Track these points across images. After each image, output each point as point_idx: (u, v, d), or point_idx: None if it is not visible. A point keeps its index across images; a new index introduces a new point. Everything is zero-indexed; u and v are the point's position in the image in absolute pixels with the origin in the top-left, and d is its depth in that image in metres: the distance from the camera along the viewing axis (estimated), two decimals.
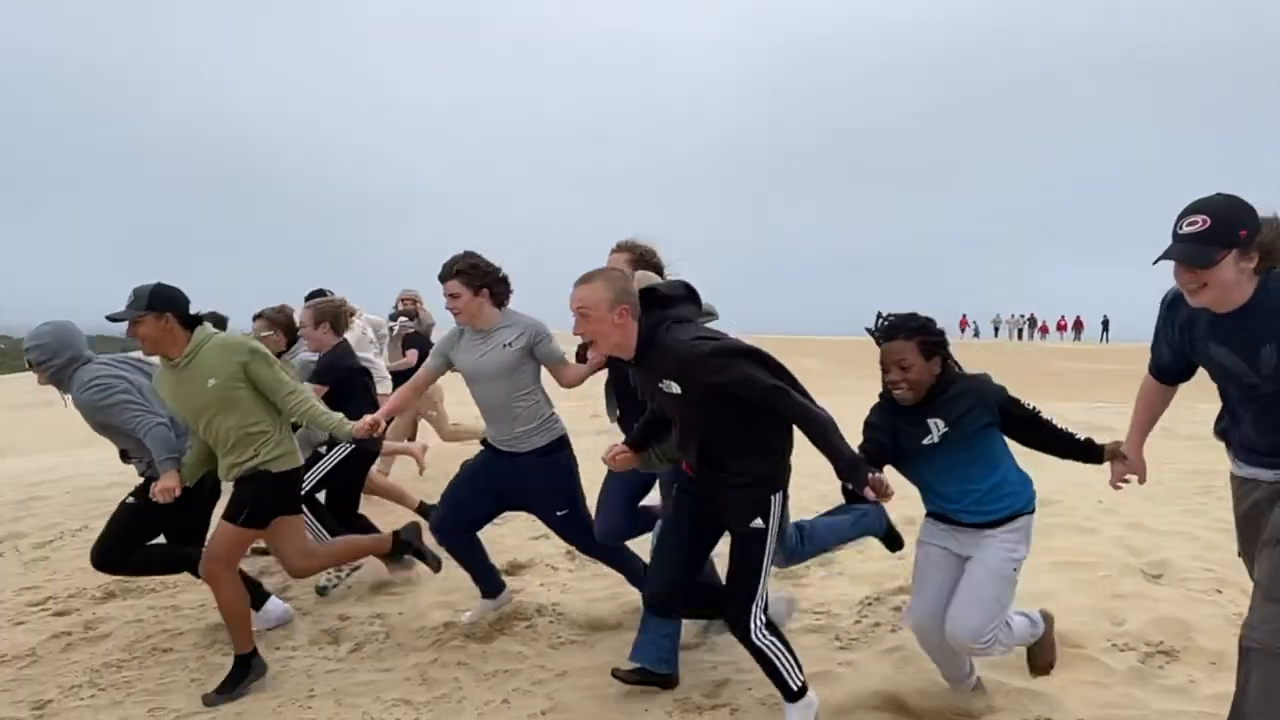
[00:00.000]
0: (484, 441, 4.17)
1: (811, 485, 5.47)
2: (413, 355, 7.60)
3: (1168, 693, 3.33)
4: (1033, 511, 3.10)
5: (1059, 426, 3.09)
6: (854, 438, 2.98)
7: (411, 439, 7.86)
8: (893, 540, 3.87)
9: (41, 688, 4.07)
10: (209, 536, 4.07)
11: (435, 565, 4.63)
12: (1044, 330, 53.50)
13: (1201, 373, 2.81)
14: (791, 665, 3.11)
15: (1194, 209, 2.47)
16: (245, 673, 3.91)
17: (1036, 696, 3.30)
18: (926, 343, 2.95)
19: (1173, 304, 2.73)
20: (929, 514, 3.19)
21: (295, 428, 5.77)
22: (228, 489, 4.03)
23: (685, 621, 3.72)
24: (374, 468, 5.43)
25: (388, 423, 4.19)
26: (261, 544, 4.76)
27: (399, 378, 7.07)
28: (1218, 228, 2.44)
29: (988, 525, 3.02)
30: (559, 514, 4.07)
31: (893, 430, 3.05)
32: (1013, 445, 3.12)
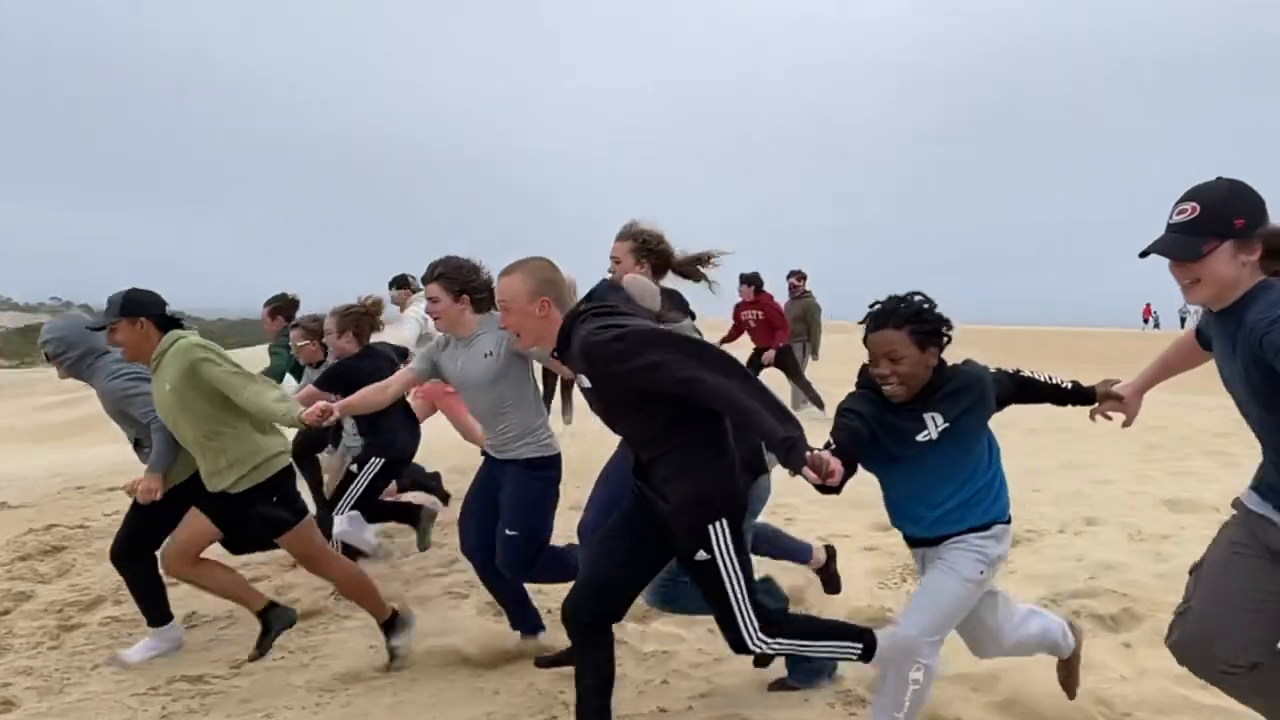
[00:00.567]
0: (484, 452, 4.02)
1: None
2: None
3: None
4: (1009, 521, 2.79)
5: (1044, 380, 2.92)
6: None
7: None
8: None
9: (236, 649, 4.37)
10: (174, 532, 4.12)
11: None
12: None
13: None
14: (828, 643, 2.84)
15: (1187, 195, 2.26)
16: (269, 630, 4.17)
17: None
18: (920, 332, 2.61)
19: None
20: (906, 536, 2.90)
21: (337, 440, 5.86)
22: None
23: (856, 617, 3.62)
24: None
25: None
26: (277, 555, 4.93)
27: None
28: (1208, 216, 2.22)
29: (959, 534, 2.72)
30: (508, 533, 3.78)
31: (879, 424, 2.69)
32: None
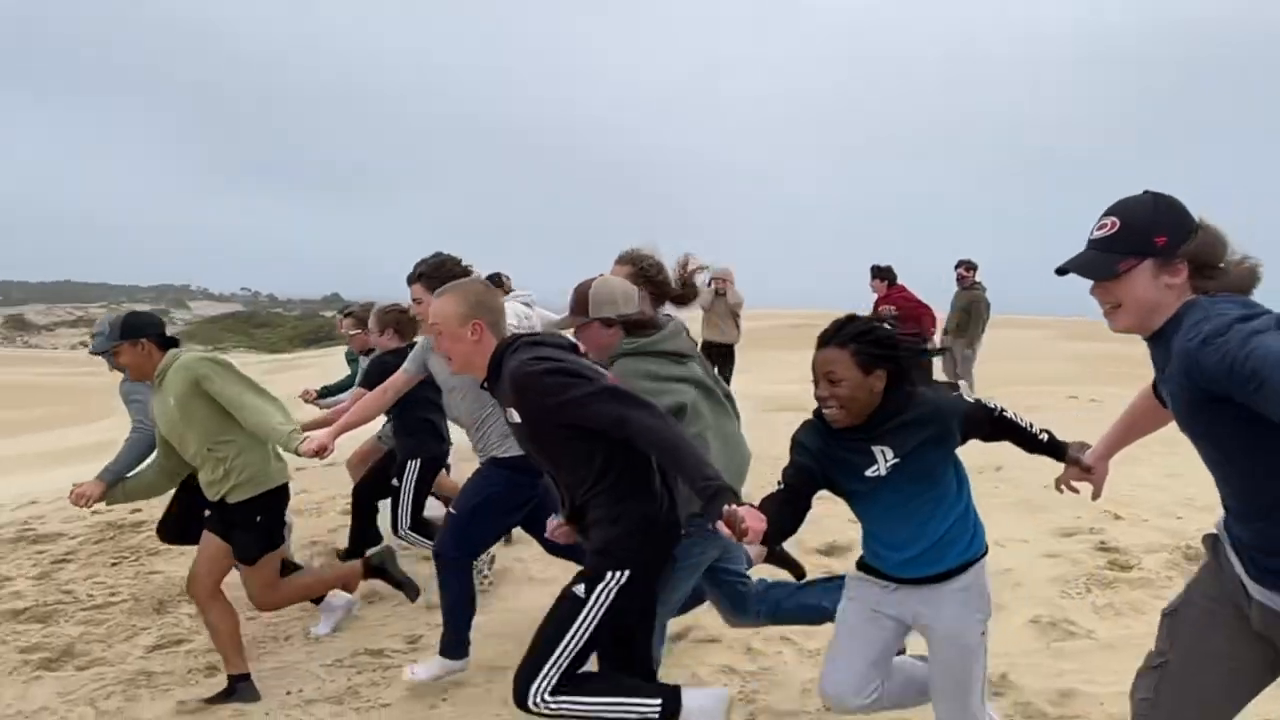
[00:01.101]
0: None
1: None
2: None
3: None
4: (984, 556, 2.55)
5: (1022, 425, 2.63)
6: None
7: None
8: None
9: (413, 624, 4.59)
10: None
11: (413, 593, 4.41)
12: None
13: None
14: (615, 703, 2.63)
15: (1109, 209, 2.05)
16: (230, 694, 3.93)
17: None
18: (864, 353, 2.37)
19: None
20: (859, 564, 2.65)
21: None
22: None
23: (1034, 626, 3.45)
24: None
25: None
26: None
27: None
28: (1127, 233, 1.99)
29: (935, 579, 2.47)
30: (450, 510, 3.88)
31: (825, 458, 2.48)
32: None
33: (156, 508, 7.10)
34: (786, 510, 2.43)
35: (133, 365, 3.94)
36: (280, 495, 4.01)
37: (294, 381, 8.37)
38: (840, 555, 5.07)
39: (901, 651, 2.77)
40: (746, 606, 3.27)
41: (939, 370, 10.31)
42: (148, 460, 4.20)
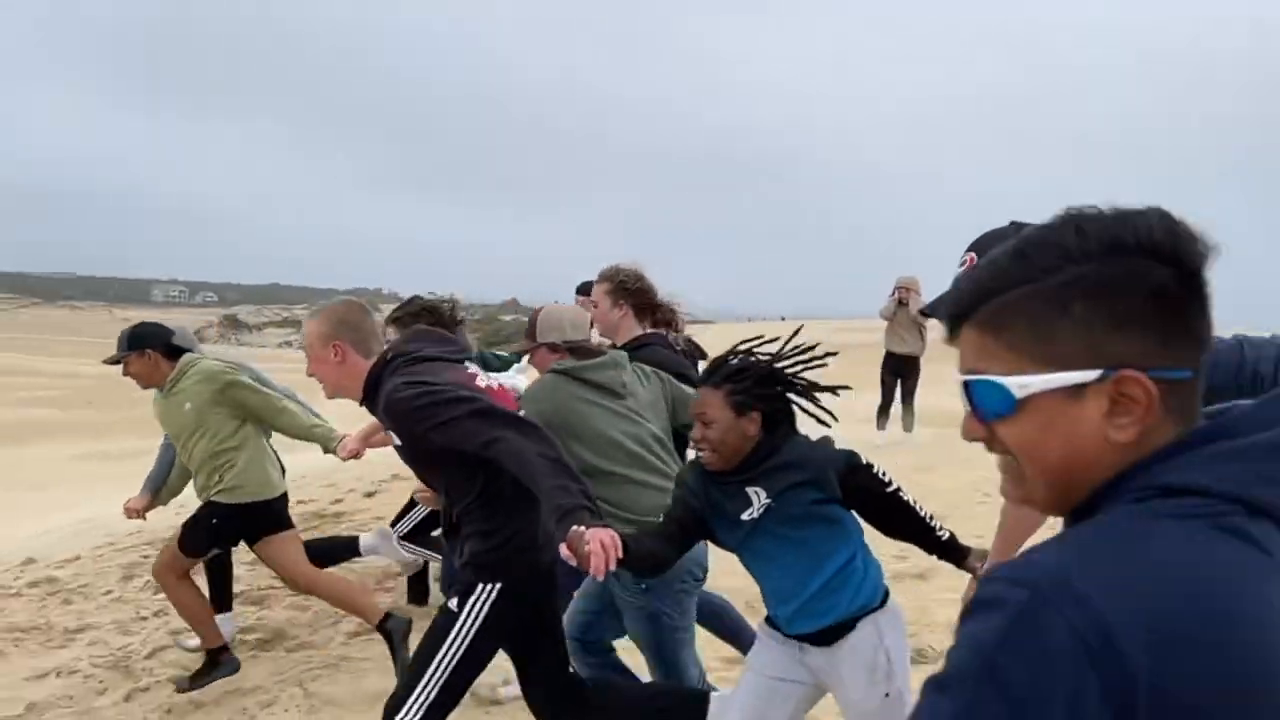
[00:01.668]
0: None
1: None
2: None
3: None
4: (876, 609, 2.28)
5: (918, 512, 2.36)
6: None
7: None
8: None
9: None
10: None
11: (399, 667, 4.04)
12: None
13: None
14: None
15: (971, 244, 1.89)
16: (213, 668, 4.17)
17: None
18: (737, 394, 2.23)
19: None
20: (765, 620, 2.43)
21: None
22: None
23: None
24: None
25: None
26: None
27: None
28: (978, 266, 1.57)
29: (826, 638, 2.26)
30: None
31: (705, 500, 2.33)
32: None
33: (357, 500, 7.55)
34: (660, 542, 2.30)
35: (141, 374, 4.09)
36: (255, 510, 4.11)
37: None
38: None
39: None
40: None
41: None
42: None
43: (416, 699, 2.48)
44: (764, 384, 2.29)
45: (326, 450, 3.93)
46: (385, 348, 2.72)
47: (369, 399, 2.66)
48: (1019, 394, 0.84)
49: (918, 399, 9.24)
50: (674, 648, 2.88)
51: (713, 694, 2.68)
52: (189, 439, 4.06)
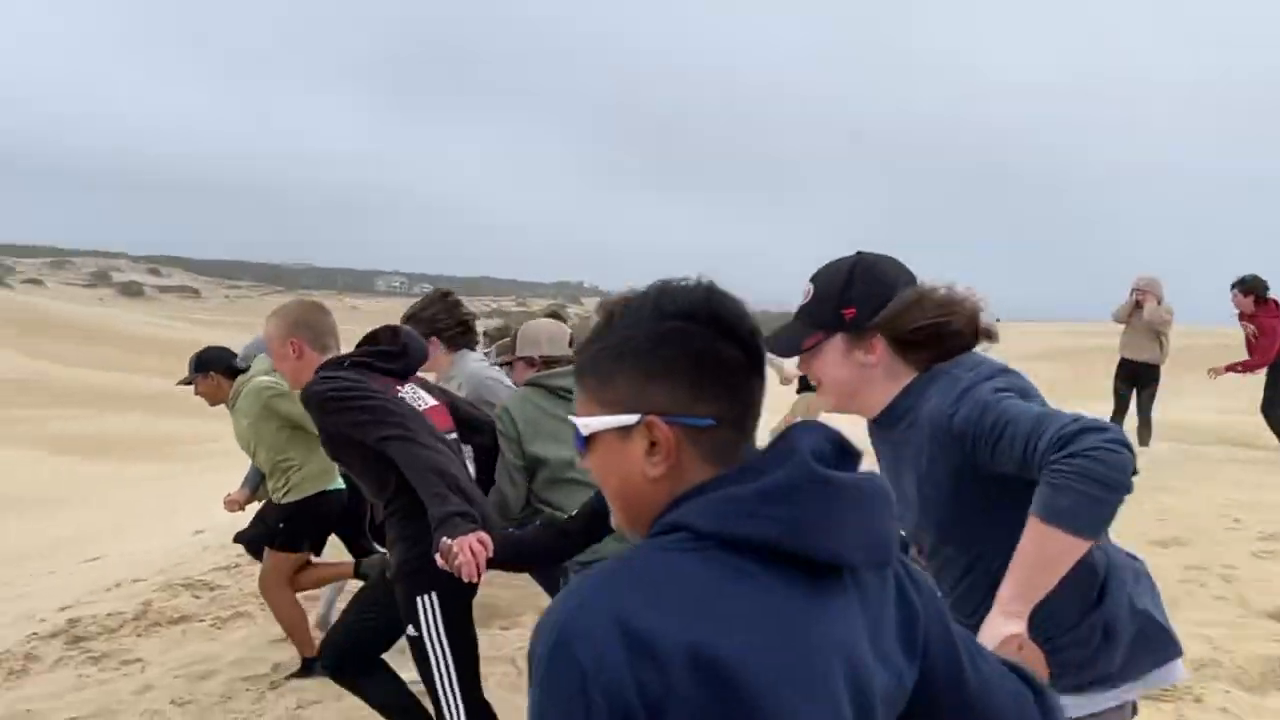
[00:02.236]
0: None
1: None
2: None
3: None
4: None
5: None
6: None
7: None
8: None
9: None
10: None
11: None
12: None
13: None
14: None
15: (814, 274, 1.84)
16: (306, 674, 4.30)
17: None
18: None
19: None
20: None
21: None
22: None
23: None
24: None
25: None
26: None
27: None
28: (815, 303, 1.79)
29: None
30: None
31: None
32: None
33: None
34: (553, 536, 2.47)
35: (207, 394, 4.54)
36: (313, 504, 4.36)
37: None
38: None
39: None
40: None
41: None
42: None
43: (449, 706, 2.70)
44: None
45: None
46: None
47: None
48: (584, 431, 1.01)
49: (1155, 410, 8.49)
50: None
51: None
52: (253, 450, 4.48)
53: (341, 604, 4.37)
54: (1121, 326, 8.35)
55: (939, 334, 1.71)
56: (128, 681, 4.53)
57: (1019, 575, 1.51)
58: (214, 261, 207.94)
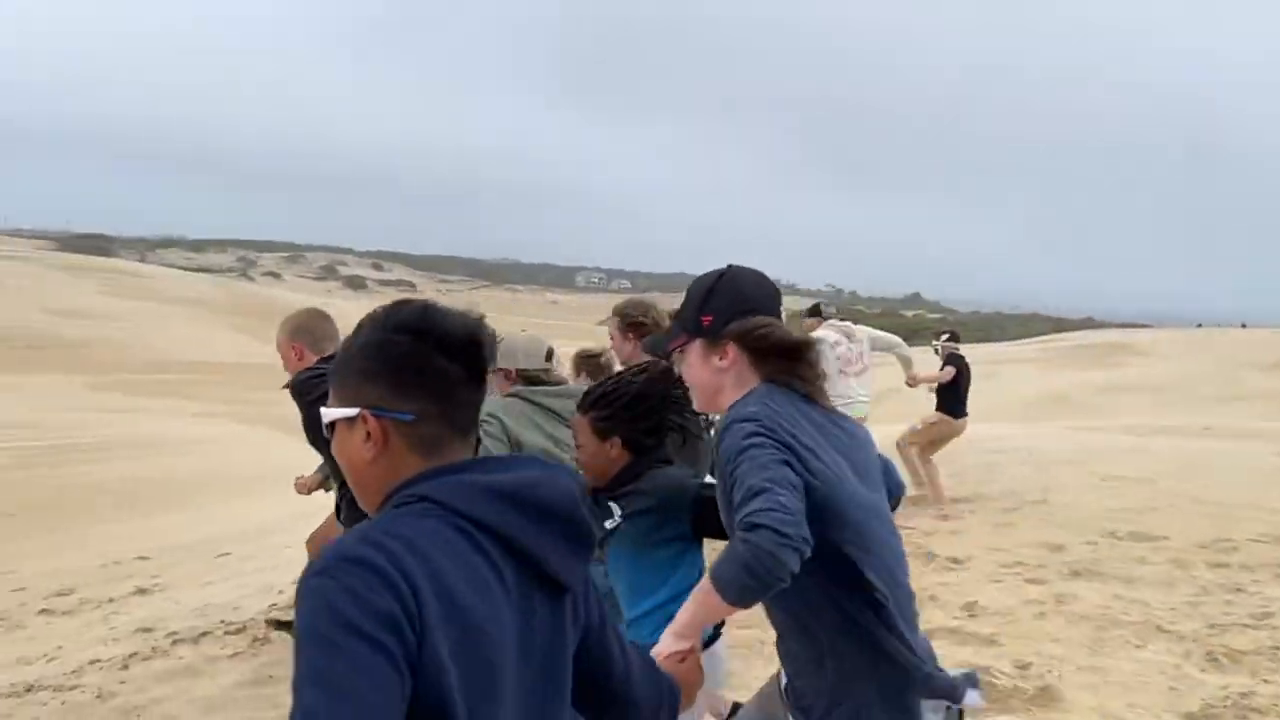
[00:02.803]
0: None
1: None
2: (949, 371, 7.42)
3: None
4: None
5: None
6: None
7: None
8: None
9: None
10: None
11: None
12: None
13: None
14: None
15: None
16: None
17: None
18: (598, 420, 2.42)
19: None
20: None
21: None
22: None
23: None
24: None
25: None
26: None
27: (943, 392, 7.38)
28: (683, 309, 2.00)
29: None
30: None
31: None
32: None
33: None
34: None
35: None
36: None
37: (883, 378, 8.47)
38: None
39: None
40: None
41: None
42: None
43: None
44: (628, 410, 2.41)
45: None
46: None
47: None
48: (326, 419, 1.23)
49: None
50: None
51: None
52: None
53: None
54: None
55: (772, 345, 1.89)
56: None
57: (692, 609, 1.73)
58: (429, 257, 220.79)
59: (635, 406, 2.45)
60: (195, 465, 14.08)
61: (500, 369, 3.57)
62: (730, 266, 2.00)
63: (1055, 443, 9.94)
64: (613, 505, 2.50)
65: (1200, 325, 58.57)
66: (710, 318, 1.92)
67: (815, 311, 7.85)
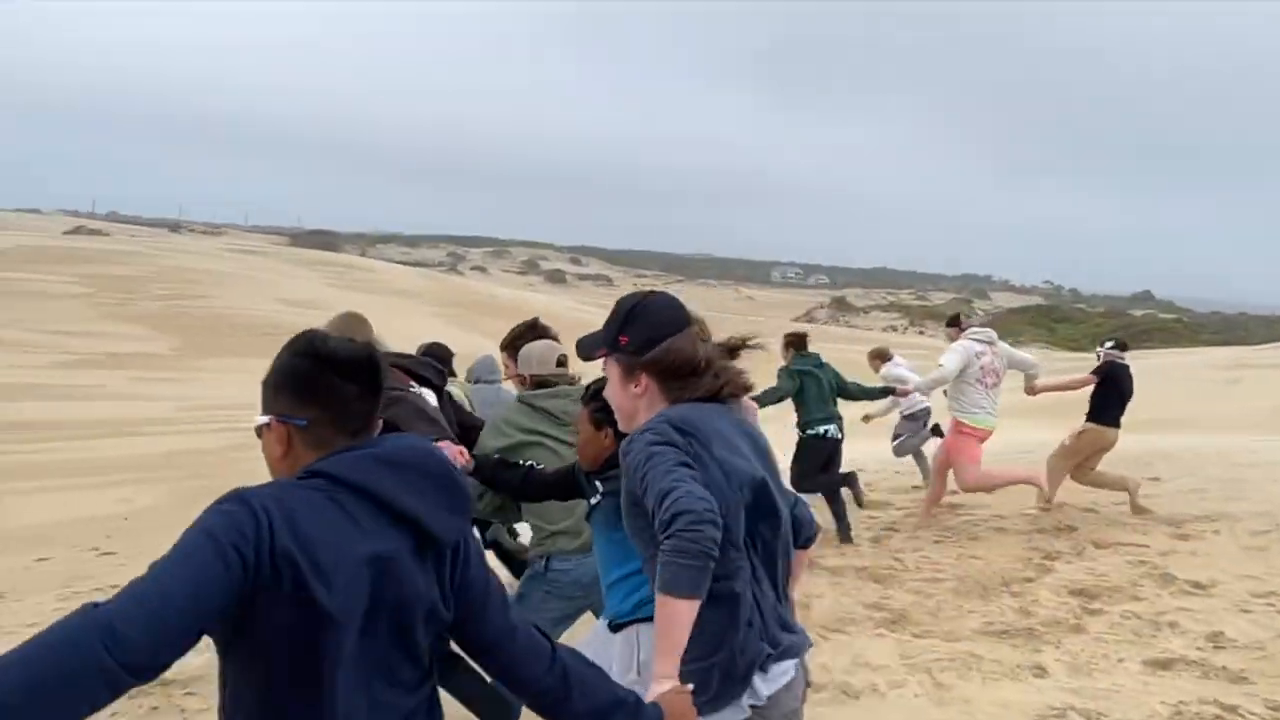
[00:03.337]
0: None
1: None
2: (1074, 379, 7.40)
3: None
4: (633, 622, 2.47)
5: None
6: None
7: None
8: None
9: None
10: None
11: None
12: None
13: None
14: None
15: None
16: None
17: None
18: (596, 413, 2.65)
19: None
20: None
21: None
22: None
23: None
24: None
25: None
26: None
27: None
28: (608, 321, 2.14)
29: (611, 625, 2.58)
30: None
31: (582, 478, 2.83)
32: None
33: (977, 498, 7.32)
34: (534, 478, 3.00)
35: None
36: None
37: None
38: None
39: None
40: None
41: None
42: None
43: None
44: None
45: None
46: None
47: None
48: (254, 424, 1.60)
49: None
50: None
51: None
52: None
53: None
54: None
55: (676, 367, 2.04)
56: None
57: (658, 642, 1.83)
58: (625, 251, 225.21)
59: None
60: None
61: (517, 374, 3.89)
62: (651, 292, 2.19)
63: None
64: (598, 484, 2.80)
65: None
66: (626, 339, 2.09)
67: (954, 322, 7.63)
